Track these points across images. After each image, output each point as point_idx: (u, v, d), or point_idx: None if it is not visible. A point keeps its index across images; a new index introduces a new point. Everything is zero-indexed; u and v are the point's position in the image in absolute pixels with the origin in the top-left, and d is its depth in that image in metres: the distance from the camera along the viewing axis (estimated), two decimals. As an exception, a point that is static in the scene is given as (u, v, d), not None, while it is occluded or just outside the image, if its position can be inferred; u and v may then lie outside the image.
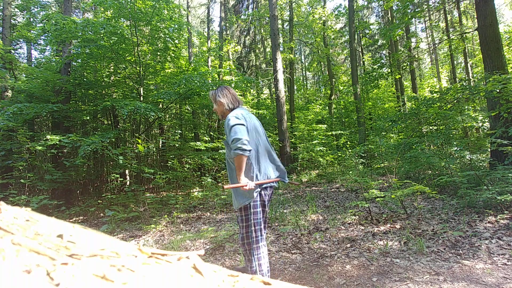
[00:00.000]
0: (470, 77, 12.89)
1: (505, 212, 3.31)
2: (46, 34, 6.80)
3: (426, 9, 12.42)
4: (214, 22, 20.71)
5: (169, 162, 7.30)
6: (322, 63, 17.94)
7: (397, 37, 10.49)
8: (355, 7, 11.93)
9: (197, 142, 7.81)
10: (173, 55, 8.18)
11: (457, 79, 13.08)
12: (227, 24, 15.11)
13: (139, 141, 6.19)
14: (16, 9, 10.14)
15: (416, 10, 8.48)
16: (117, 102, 6.44)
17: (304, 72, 24.26)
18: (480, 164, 5.37)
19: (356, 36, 13.34)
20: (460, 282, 2.14)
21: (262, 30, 15.56)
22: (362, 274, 2.44)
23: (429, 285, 2.14)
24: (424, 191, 3.39)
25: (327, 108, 14.74)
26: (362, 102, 11.15)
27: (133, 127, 7.93)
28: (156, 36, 7.43)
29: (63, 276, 0.27)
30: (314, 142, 9.33)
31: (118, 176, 6.73)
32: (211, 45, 14.34)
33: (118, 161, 5.75)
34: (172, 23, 7.30)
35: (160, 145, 10.11)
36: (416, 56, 14.05)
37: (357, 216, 4.10)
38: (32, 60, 11.68)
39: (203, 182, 7.10)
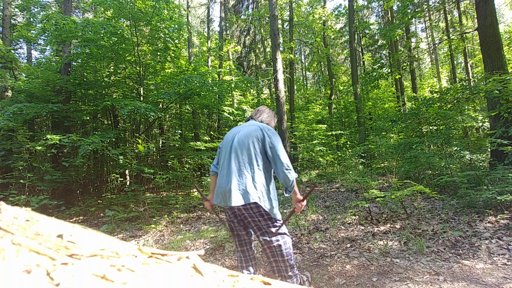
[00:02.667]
0: (470, 77, 12.87)
1: (505, 212, 3.31)
2: (46, 34, 6.79)
3: (426, 9, 12.40)
4: (214, 22, 20.73)
5: (169, 162, 7.29)
6: (322, 63, 17.93)
7: (397, 37, 10.47)
8: (355, 7, 11.93)
9: (197, 142, 7.81)
10: (173, 55, 8.18)
11: (457, 79, 13.07)
12: (227, 24, 15.10)
13: (139, 141, 6.19)
14: (16, 9, 10.14)
15: (416, 10, 8.47)
16: (117, 102, 6.44)
17: (304, 72, 24.26)
18: (480, 164, 5.36)
19: (356, 36, 13.34)
20: (460, 282, 2.13)
21: (262, 30, 15.55)
22: (362, 274, 2.44)
23: (429, 285, 2.14)
24: (424, 191, 3.39)
25: (327, 108, 14.75)
26: (362, 102, 11.15)
27: (133, 127, 7.93)
28: (156, 36, 7.43)
29: (63, 276, 0.27)
30: (314, 142, 9.32)
31: (118, 176, 6.73)
32: (211, 45, 14.33)
33: (118, 161, 5.74)
34: (172, 23, 7.29)
35: (160, 145, 10.11)
36: (416, 56, 14.04)
37: (357, 216, 4.10)
38: (32, 60, 11.68)
39: (203, 182, 7.09)
